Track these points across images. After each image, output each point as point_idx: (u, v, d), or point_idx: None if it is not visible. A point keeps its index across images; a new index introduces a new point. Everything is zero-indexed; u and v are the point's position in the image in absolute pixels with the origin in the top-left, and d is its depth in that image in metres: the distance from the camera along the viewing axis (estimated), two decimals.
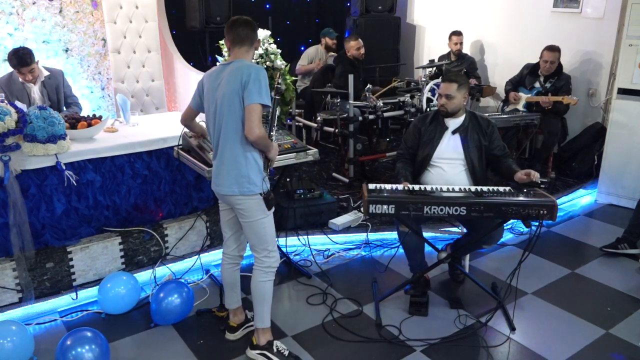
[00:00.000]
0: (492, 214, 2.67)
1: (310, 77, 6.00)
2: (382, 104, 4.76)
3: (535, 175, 2.83)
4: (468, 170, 3.12)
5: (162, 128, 3.61)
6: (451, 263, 3.30)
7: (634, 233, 3.74)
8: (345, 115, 4.65)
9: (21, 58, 3.62)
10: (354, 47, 5.34)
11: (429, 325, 2.95)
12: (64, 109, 3.97)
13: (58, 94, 3.90)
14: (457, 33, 5.82)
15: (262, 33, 3.76)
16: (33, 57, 3.68)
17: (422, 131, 3.20)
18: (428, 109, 4.64)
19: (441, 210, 2.65)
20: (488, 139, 3.13)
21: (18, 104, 2.96)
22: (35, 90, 3.79)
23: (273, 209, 2.55)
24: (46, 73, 3.85)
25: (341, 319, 3.01)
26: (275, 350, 2.61)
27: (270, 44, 3.80)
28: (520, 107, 5.06)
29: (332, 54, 6.19)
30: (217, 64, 3.76)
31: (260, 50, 3.71)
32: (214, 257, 3.62)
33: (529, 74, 5.09)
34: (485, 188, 2.81)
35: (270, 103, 2.44)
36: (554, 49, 4.84)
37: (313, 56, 6.22)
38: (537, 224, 2.68)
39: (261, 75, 2.38)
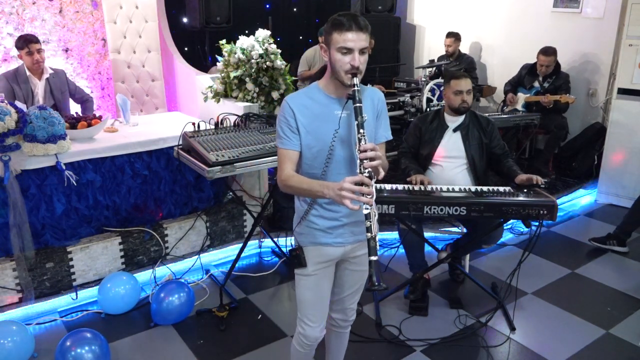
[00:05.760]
0: (492, 214, 2.67)
1: (310, 79, 5.98)
2: None
3: (539, 180, 2.80)
4: (469, 168, 3.12)
5: (162, 128, 3.60)
6: (451, 263, 3.30)
7: (625, 231, 3.75)
8: None
9: (28, 35, 3.80)
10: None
11: (429, 325, 2.95)
12: (69, 106, 4.03)
13: (63, 92, 3.94)
14: (448, 35, 5.80)
15: (262, 33, 3.77)
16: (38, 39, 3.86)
17: (422, 130, 3.20)
18: (428, 109, 4.64)
19: (441, 210, 2.65)
20: (488, 137, 3.13)
21: (18, 104, 2.96)
22: (40, 86, 3.83)
23: (309, 272, 1.97)
24: (50, 71, 3.89)
25: None
26: None
27: (270, 44, 3.79)
28: (519, 107, 5.06)
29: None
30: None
31: (260, 50, 3.70)
32: (214, 257, 3.63)
33: (527, 73, 5.09)
34: (485, 188, 2.81)
35: (287, 144, 1.85)
36: (548, 53, 4.81)
37: (312, 59, 6.18)
38: (537, 224, 2.69)
39: (280, 113, 1.89)
